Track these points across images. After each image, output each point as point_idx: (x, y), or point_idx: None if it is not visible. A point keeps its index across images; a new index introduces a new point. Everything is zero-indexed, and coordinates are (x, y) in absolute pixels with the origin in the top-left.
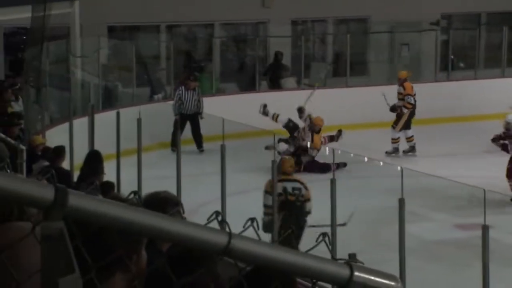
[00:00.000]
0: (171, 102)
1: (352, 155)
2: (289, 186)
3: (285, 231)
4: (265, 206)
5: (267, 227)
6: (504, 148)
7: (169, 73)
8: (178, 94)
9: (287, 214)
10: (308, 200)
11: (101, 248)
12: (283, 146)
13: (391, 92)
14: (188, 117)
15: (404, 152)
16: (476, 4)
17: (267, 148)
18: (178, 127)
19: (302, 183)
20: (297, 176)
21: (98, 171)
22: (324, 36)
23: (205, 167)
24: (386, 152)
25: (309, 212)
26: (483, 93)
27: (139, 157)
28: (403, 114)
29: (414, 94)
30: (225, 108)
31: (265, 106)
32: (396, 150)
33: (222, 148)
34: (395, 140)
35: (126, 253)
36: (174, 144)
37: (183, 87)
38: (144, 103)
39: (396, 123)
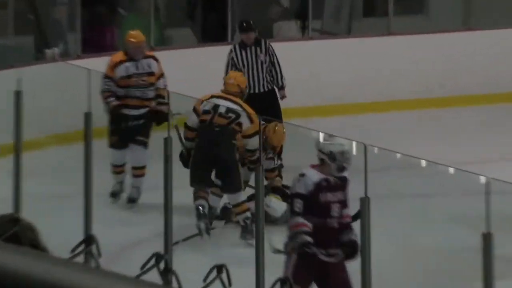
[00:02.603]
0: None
1: None
2: (224, 104)
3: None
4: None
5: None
6: None
7: (73, 11)
8: None
9: (202, 141)
10: (249, 136)
11: None
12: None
13: None
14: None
15: None
16: None
17: None
18: None
19: (244, 109)
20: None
21: None
22: None
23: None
24: None
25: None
26: None
27: (17, 160)
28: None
29: None
30: (173, 70)
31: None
32: None
33: (167, 141)
34: None
35: None
36: None
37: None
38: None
39: None
